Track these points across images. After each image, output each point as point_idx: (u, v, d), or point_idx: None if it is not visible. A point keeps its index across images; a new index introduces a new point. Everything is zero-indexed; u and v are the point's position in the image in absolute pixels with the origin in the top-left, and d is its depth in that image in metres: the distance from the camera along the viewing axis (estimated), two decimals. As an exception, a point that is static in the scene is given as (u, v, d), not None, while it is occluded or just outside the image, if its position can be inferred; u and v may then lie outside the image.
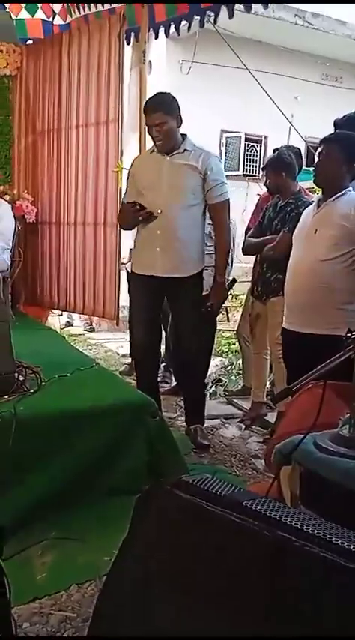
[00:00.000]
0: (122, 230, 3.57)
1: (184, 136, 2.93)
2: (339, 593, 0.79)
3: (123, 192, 3.30)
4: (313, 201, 3.27)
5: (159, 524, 1.02)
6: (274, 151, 3.82)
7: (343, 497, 1.33)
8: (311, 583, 0.82)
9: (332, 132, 2.56)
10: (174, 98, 2.89)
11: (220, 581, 0.91)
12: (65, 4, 4.54)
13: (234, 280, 3.75)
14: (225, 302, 3.95)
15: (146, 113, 2.86)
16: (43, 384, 2.56)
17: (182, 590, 0.94)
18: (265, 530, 0.87)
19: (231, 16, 3.73)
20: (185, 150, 2.89)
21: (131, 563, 1.04)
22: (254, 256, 3.51)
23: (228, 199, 2.98)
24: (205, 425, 3.51)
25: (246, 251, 3.55)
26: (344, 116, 2.79)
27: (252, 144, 8.99)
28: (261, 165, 8.73)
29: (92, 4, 4.38)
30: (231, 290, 4.13)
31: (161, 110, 2.80)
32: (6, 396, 2.39)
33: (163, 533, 1.00)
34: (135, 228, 3.13)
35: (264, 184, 3.55)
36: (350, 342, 1.52)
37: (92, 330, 6.09)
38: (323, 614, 0.80)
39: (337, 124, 2.78)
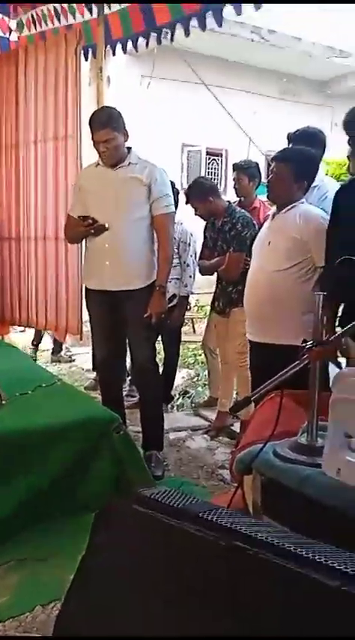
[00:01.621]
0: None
1: (129, 149, 2.91)
2: (292, 598, 0.80)
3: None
4: (246, 214, 3.40)
5: (117, 539, 1.02)
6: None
7: (301, 504, 1.35)
8: (264, 589, 0.83)
9: (284, 148, 2.61)
10: (119, 113, 2.85)
11: (179, 592, 0.91)
12: (22, 20, 4.56)
13: (175, 295, 3.81)
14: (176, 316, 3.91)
15: (92, 129, 2.81)
16: (4, 402, 2.53)
17: (141, 603, 0.94)
18: (220, 540, 0.88)
19: (187, 34, 3.80)
20: (130, 163, 2.87)
21: (90, 581, 1.03)
22: None
23: (173, 212, 2.97)
24: (172, 437, 3.51)
25: (203, 273, 3.66)
26: (296, 130, 2.86)
27: (213, 157, 9.12)
28: (221, 179, 8.88)
29: (49, 21, 4.42)
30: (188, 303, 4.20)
31: (108, 126, 2.77)
32: (-34, 416, 2.35)
33: (121, 548, 1.00)
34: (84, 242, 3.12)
35: (196, 215, 3.55)
36: (305, 352, 1.55)
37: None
38: (277, 619, 0.81)
39: (290, 138, 2.84)
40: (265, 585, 0.83)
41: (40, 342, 5.49)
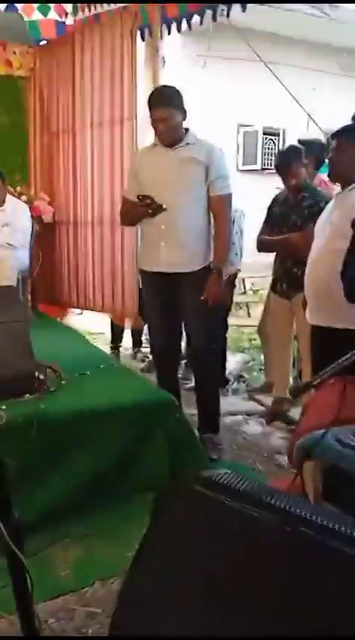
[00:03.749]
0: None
1: (187, 129, 2.87)
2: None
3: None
4: (327, 193, 3.23)
5: (178, 520, 1.01)
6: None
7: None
8: (332, 578, 0.80)
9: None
10: (179, 91, 2.81)
11: (241, 577, 0.90)
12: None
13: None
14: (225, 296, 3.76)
15: (151, 107, 2.78)
16: (63, 382, 2.58)
17: (202, 586, 0.94)
18: (286, 526, 0.86)
19: (244, 9, 3.70)
20: (188, 143, 2.83)
21: (151, 560, 1.03)
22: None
23: (230, 193, 2.90)
24: (227, 421, 3.50)
25: (262, 249, 3.46)
26: None
27: (269, 137, 8.93)
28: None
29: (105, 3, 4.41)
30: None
31: (167, 105, 2.74)
32: (27, 395, 2.42)
33: (182, 530, 1.00)
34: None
35: (292, 185, 3.26)
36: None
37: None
38: (345, 609, 0.78)
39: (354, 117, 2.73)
40: (332, 574, 0.81)
41: (120, 343, 4.98)
